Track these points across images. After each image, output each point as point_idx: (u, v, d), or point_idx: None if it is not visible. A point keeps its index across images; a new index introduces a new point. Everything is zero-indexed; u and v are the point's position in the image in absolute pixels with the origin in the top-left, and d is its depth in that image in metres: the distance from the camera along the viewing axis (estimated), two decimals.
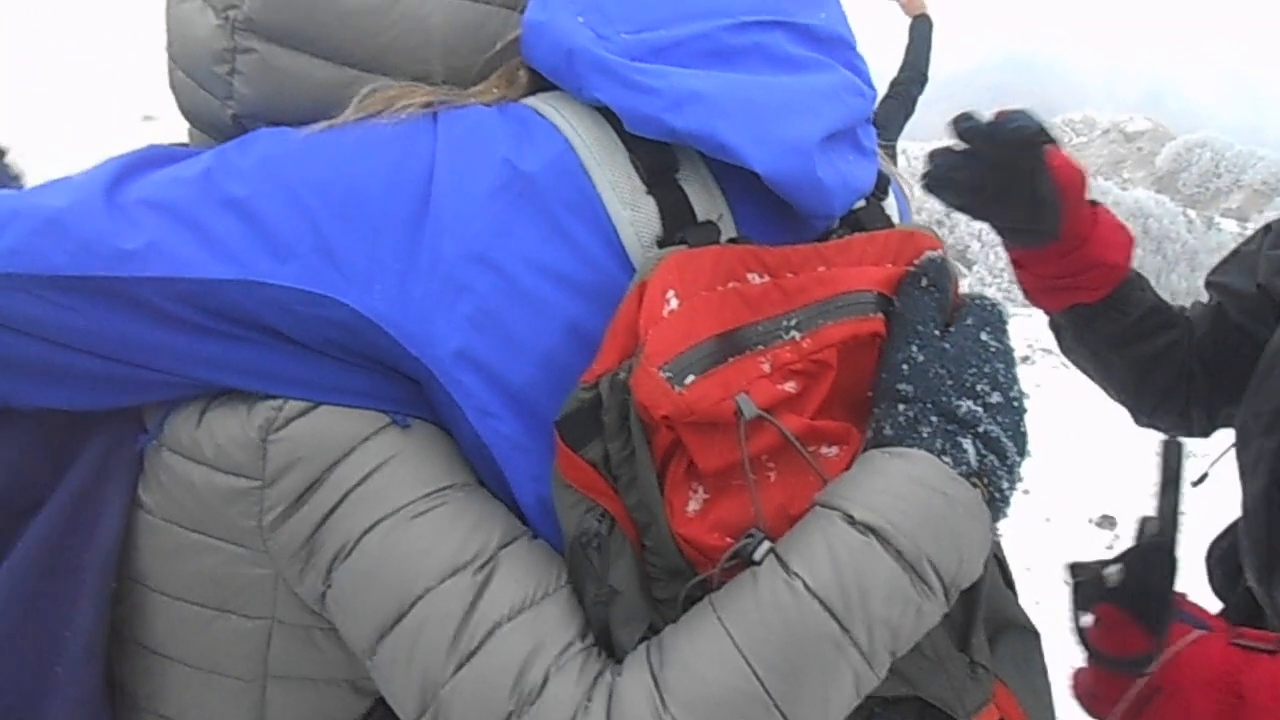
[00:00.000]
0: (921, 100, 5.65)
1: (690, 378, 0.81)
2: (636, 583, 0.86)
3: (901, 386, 0.92)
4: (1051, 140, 1.38)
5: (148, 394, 0.95)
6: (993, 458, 0.90)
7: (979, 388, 0.92)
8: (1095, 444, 6.49)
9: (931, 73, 5.76)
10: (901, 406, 0.92)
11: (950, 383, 0.92)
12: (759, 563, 0.83)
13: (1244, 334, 1.60)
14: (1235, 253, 1.70)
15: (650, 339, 0.81)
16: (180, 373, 0.92)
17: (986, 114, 1.39)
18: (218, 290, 0.87)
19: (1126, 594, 1.19)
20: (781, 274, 0.91)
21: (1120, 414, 1.83)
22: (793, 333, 0.89)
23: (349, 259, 0.88)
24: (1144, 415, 1.77)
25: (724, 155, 0.90)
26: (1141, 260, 30.03)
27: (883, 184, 1.08)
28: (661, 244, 0.91)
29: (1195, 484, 1.30)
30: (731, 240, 0.92)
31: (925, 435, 0.89)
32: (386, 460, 0.92)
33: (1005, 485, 0.91)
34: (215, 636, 1.00)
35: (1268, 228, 1.63)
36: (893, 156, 5.78)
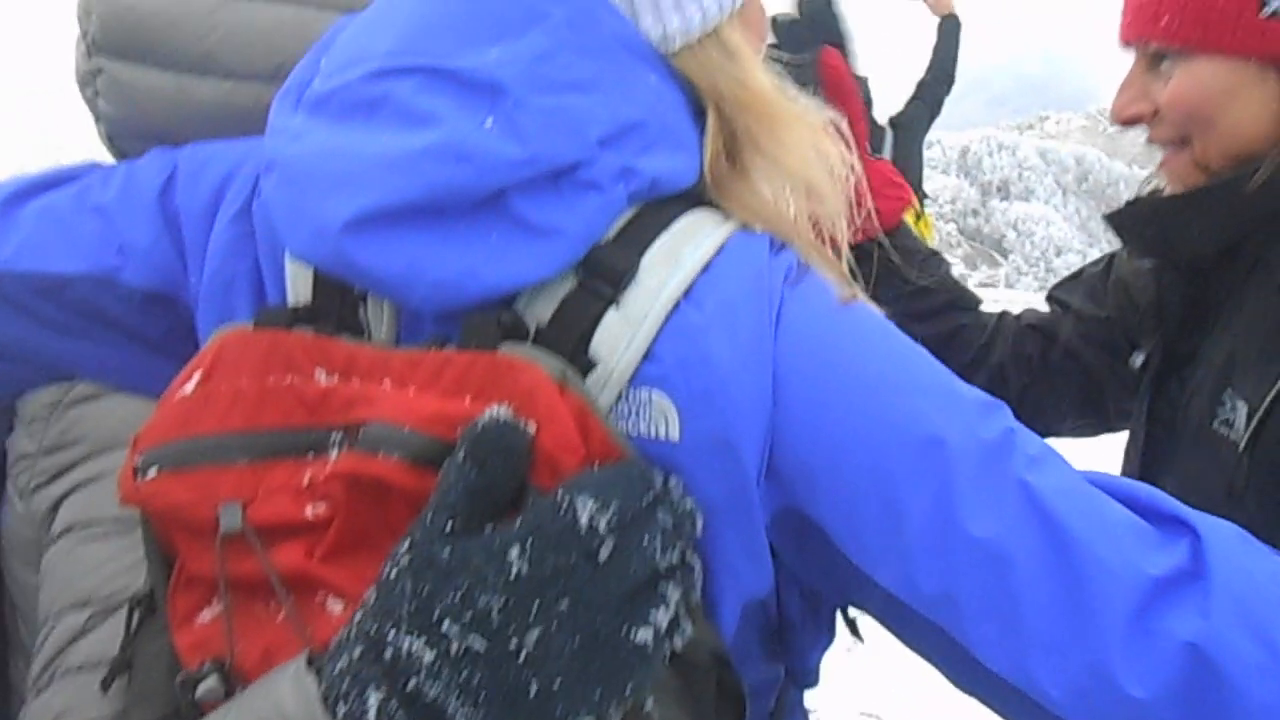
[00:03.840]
0: (958, 91, 5.65)
1: (153, 470, 0.76)
2: (164, 665, 0.79)
3: (370, 591, 0.69)
4: (838, 40, 1.33)
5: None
6: None
7: (447, 627, 0.64)
8: None
9: (966, 64, 5.77)
10: (358, 615, 0.68)
11: (410, 607, 0.65)
12: (197, 702, 0.74)
13: (1071, 356, 1.59)
14: (1080, 273, 1.69)
15: (150, 421, 0.79)
16: (36, 364, 1.04)
17: None
18: (72, 285, 0.97)
19: None
20: (349, 377, 0.78)
21: None
22: (334, 450, 0.76)
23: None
24: None
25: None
26: None
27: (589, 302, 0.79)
28: (298, 317, 0.84)
29: None
30: (311, 327, 0.82)
31: (342, 666, 0.66)
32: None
33: None
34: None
35: (1113, 255, 1.61)
36: (919, 155, 5.82)
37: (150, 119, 1.11)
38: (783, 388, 0.77)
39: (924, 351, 0.82)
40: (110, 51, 1.10)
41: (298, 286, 0.87)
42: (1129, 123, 1.33)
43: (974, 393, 0.80)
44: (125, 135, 1.14)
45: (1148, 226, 1.35)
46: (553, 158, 0.76)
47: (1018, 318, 1.71)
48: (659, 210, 0.82)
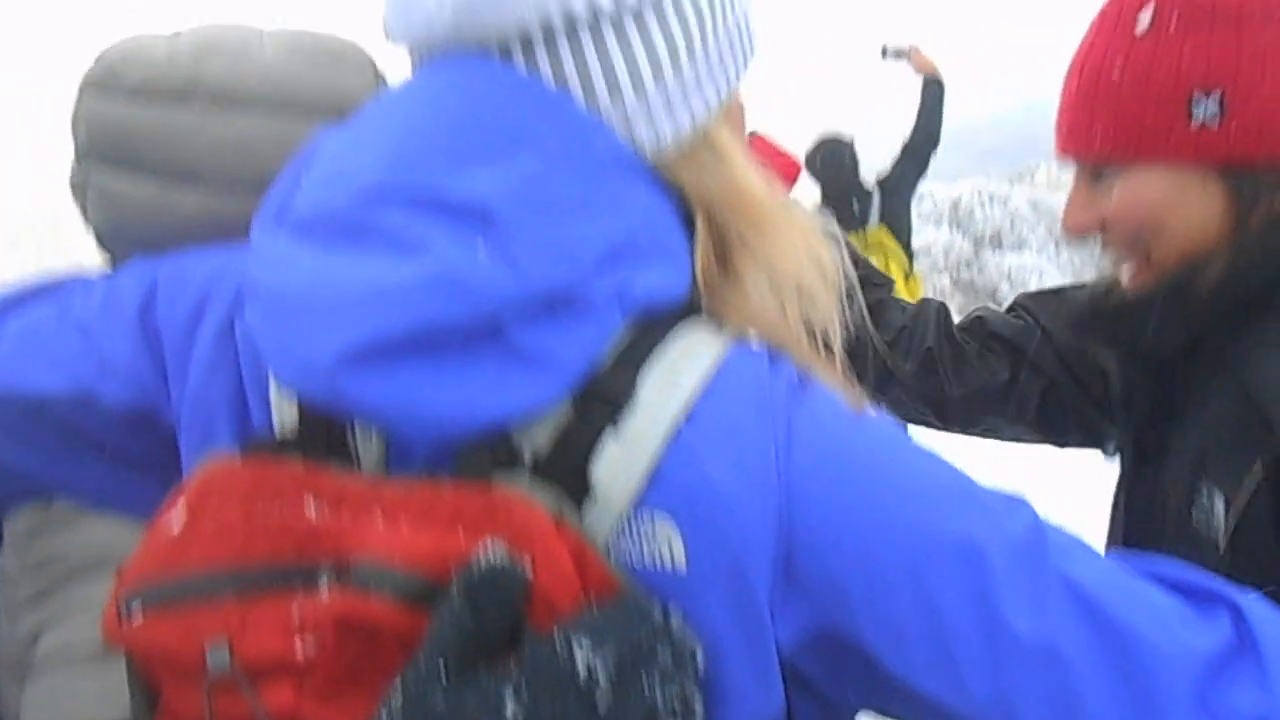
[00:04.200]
0: (948, 144, 5.72)
1: (138, 609, 0.74)
2: None
3: None
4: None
5: None
6: None
7: None
8: None
9: (955, 117, 5.85)
10: None
11: None
12: None
13: (1037, 373, 1.60)
14: (1061, 290, 1.68)
15: (135, 556, 0.77)
16: (16, 485, 1.01)
17: None
18: (53, 405, 0.93)
19: None
20: (339, 508, 0.76)
21: None
22: (324, 584, 0.74)
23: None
24: None
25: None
26: None
27: (581, 430, 0.76)
28: (286, 447, 0.82)
29: None
30: (300, 457, 0.80)
31: None
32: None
33: None
34: None
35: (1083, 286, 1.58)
36: (908, 215, 5.88)
37: (136, 227, 1.12)
38: (804, 506, 0.76)
39: (937, 455, 0.81)
40: (97, 159, 1.11)
41: (283, 410, 0.84)
42: (1081, 235, 1.35)
43: (994, 491, 0.79)
44: (115, 241, 1.15)
45: (1109, 326, 1.36)
46: (548, 285, 0.74)
47: (943, 305, 1.74)
48: (653, 327, 0.80)
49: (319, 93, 1.14)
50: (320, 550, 0.74)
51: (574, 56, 0.81)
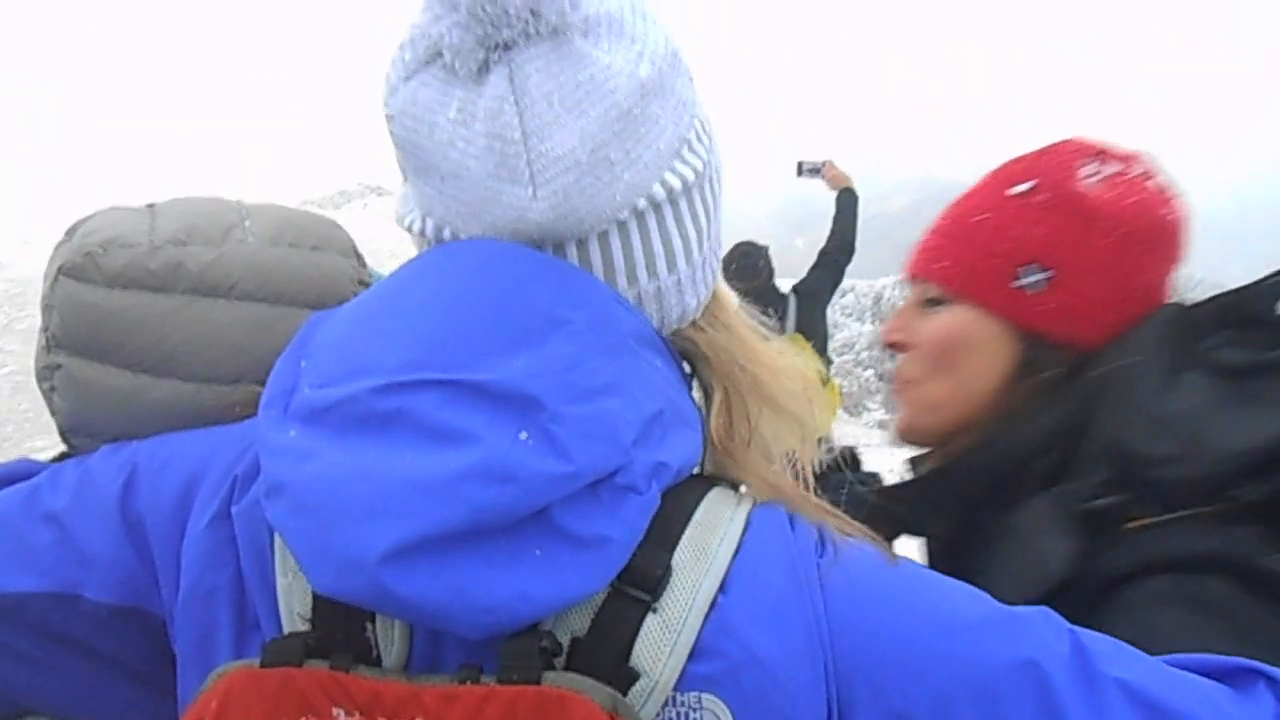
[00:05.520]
0: (869, 238, 5.82)
1: None
2: None
3: None
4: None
5: None
6: None
7: None
8: None
9: (873, 213, 5.97)
10: None
11: None
12: None
13: None
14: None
15: None
16: None
17: None
18: (28, 606, 0.89)
19: None
20: (374, 715, 0.73)
21: None
22: None
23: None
24: None
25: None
26: None
27: (617, 623, 0.77)
28: (309, 650, 0.78)
29: None
30: (322, 662, 0.76)
31: None
32: None
33: None
34: None
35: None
36: (824, 321, 5.94)
37: (105, 416, 1.08)
38: (850, 660, 0.78)
39: (967, 586, 0.85)
40: (69, 348, 1.08)
41: (292, 603, 0.80)
42: (890, 347, 1.48)
43: (1026, 608, 0.84)
44: (79, 431, 1.10)
45: (893, 517, 1.42)
46: (596, 468, 0.73)
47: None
48: (678, 497, 0.81)
49: (303, 282, 1.12)
50: None
51: (642, 239, 0.86)
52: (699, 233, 0.90)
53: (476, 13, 0.78)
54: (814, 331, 5.74)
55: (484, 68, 0.80)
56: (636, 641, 0.75)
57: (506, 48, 0.79)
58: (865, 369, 25.29)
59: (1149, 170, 1.36)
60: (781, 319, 5.60)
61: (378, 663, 0.77)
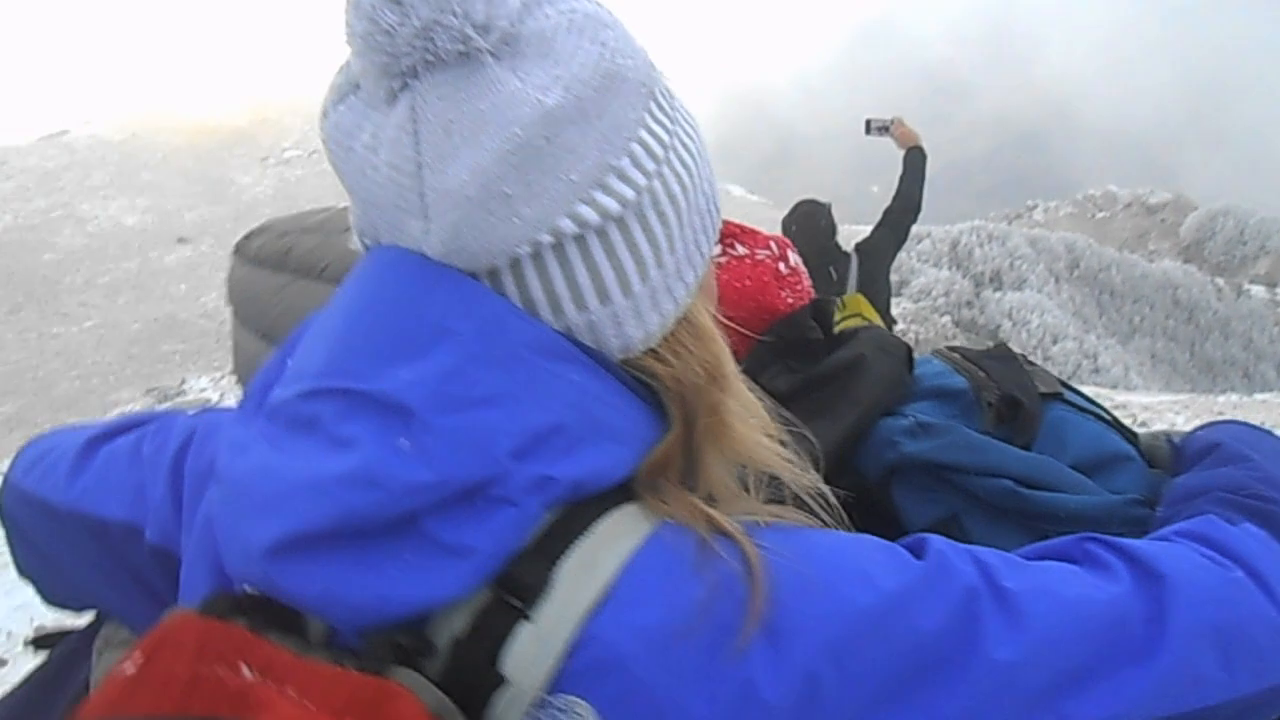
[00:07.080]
0: (943, 186, 5.81)
1: None
2: None
3: None
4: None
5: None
6: None
7: None
8: None
9: (951, 158, 5.87)
10: None
11: None
12: None
13: None
14: None
15: (92, 697, 0.76)
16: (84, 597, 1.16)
17: None
18: (111, 530, 1.03)
19: None
20: (266, 677, 0.76)
21: None
22: None
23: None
24: None
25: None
26: (1174, 330, 29.80)
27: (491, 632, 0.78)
28: (239, 607, 0.82)
29: None
30: (246, 620, 0.78)
31: None
32: None
33: None
34: None
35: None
36: (886, 281, 5.82)
37: (244, 375, 1.37)
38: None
39: (871, 553, 0.85)
40: (234, 313, 1.36)
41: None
42: None
43: (933, 538, 0.87)
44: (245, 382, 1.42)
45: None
46: (462, 478, 0.76)
47: None
48: (581, 512, 0.81)
49: None
50: (247, 714, 0.73)
51: (563, 271, 0.84)
52: (639, 263, 0.86)
53: (372, 42, 0.78)
54: (876, 291, 5.60)
55: (392, 96, 0.81)
56: (506, 648, 0.77)
57: (415, 74, 0.79)
58: (943, 315, 24.92)
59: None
60: (843, 278, 5.53)
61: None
